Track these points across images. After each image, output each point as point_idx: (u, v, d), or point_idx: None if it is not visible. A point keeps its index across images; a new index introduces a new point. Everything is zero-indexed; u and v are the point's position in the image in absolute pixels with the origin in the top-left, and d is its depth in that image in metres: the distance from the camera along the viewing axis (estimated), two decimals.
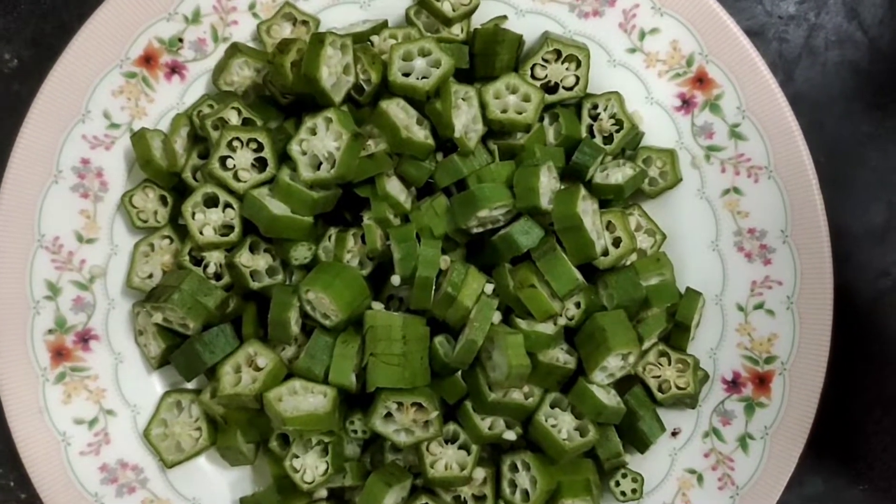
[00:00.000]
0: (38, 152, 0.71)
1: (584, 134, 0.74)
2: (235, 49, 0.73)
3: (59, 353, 0.72)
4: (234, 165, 0.69)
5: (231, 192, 0.69)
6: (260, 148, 0.69)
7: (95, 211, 0.73)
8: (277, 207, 0.68)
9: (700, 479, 0.75)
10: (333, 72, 0.68)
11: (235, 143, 0.69)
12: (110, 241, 0.73)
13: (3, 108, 0.79)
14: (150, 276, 0.72)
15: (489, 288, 0.69)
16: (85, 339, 0.73)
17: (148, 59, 0.73)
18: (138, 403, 0.74)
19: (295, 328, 0.69)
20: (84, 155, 0.72)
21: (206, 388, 0.71)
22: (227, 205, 0.70)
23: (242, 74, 0.74)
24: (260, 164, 0.69)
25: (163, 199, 0.73)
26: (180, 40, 0.73)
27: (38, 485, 0.71)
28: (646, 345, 0.74)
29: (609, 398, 0.71)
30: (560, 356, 0.70)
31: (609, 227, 0.72)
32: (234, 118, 0.71)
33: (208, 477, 0.75)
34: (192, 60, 0.74)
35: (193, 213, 0.69)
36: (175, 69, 0.74)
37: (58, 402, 0.72)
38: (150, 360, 0.73)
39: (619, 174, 0.73)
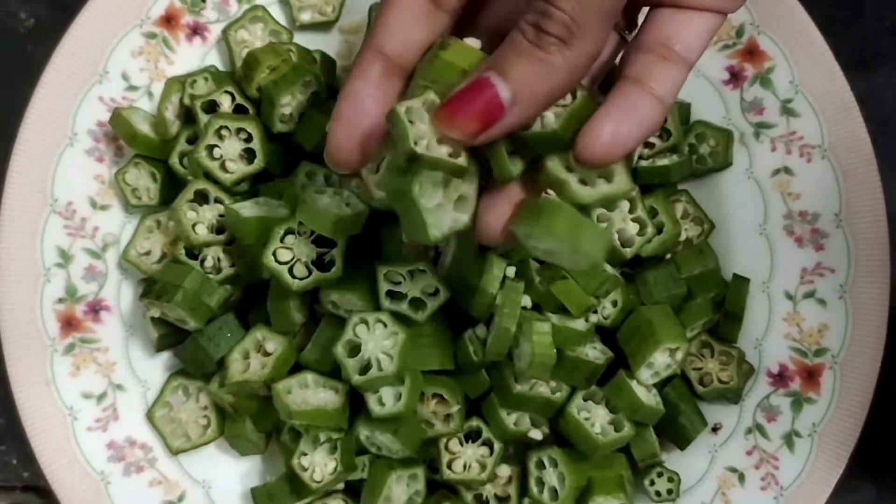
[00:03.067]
0: (53, 114, 0.72)
1: None
2: (254, 12, 0.74)
3: (68, 324, 0.73)
4: (222, 155, 0.69)
5: (219, 184, 0.70)
6: (250, 138, 0.69)
7: (110, 176, 0.74)
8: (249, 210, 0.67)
9: (742, 478, 0.74)
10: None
11: (224, 132, 0.69)
12: (124, 209, 0.74)
13: (19, 70, 0.80)
14: (149, 252, 0.72)
15: (511, 271, 0.68)
16: (96, 309, 0.73)
17: (169, 20, 0.74)
18: (149, 379, 0.74)
19: (298, 315, 0.69)
20: (100, 118, 0.73)
21: (215, 377, 0.71)
22: (218, 200, 0.70)
23: (254, 35, 0.74)
24: (249, 154, 0.70)
25: (153, 176, 0.73)
26: (203, 0, 0.74)
27: (43, 461, 0.71)
28: (688, 335, 0.73)
29: (648, 397, 0.70)
30: (589, 352, 0.69)
31: (652, 212, 0.71)
32: (226, 103, 0.71)
33: (220, 460, 0.75)
34: (215, 22, 0.75)
35: (185, 211, 0.69)
36: (197, 30, 0.75)
37: (66, 374, 0.72)
38: (151, 342, 0.74)
39: (665, 160, 0.73)
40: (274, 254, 0.65)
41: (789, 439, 0.74)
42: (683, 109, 0.76)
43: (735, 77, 0.75)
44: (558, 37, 0.43)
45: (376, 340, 0.66)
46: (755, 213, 0.76)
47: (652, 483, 0.74)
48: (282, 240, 0.65)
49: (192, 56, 0.75)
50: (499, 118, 0.44)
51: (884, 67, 0.82)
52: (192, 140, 0.72)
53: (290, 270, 0.65)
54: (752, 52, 0.75)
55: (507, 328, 0.66)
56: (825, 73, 0.73)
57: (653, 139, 0.73)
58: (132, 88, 0.74)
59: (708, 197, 0.76)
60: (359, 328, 0.66)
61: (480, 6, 0.52)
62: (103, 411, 0.73)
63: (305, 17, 0.76)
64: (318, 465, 0.68)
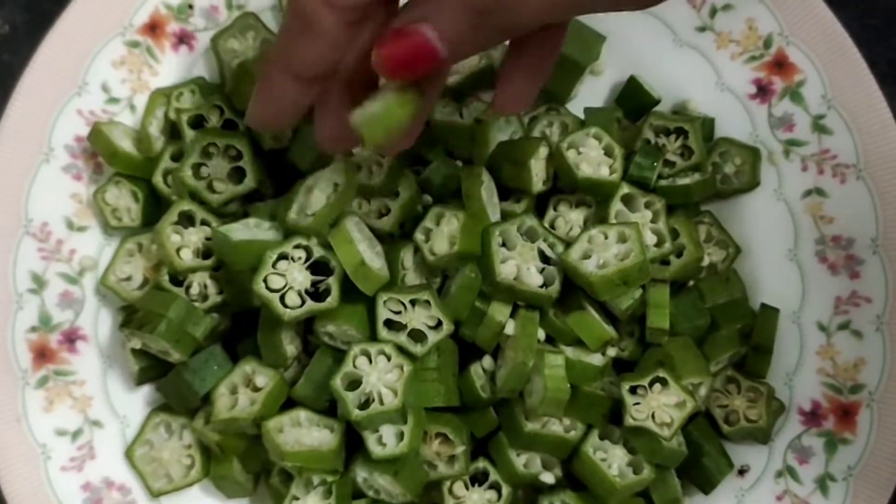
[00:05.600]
0: (28, 127, 0.70)
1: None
2: (245, 20, 0.73)
3: (41, 354, 0.71)
4: (209, 174, 0.68)
5: (205, 205, 0.68)
6: (239, 156, 0.68)
7: (88, 195, 0.72)
8: (241, 232, 0.66)
9: None
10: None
11: (211, 150, 0.68)
12: (104, 231, 0.72)
13: None
14: (129, 278, 0.71)
15: None
16: (71, 339, 0.72)
17: (153, 27, 0.72)
18: (128, 415, 0.72)
19: (290, 347, 0.67)
20: (79, 132, 0.71)
21: (200, 413, 0.70)
22: (205, 222, 0.68)
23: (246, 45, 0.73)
24: (238, 173, 0.69)
25: (135, 196, 0.72)
26: (190, 7, 0.73)
27: (13, 503, 0.69)
28: (712, 369, 0.71)
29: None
30: (606, 387, 0.68)
31: (673, 234, 0.70)
32: (214, 118, 0.70)
33: (205, 502, 0.73)
34: (203, 30, 0.73)
35: (169, 234, 0.68)
36: (183, 39, 0.73)
37: (38, 409, 0.70)
38: (131, 375, 0.72)
39: (686, 178, 0.72)
40: (265, 280, 0.63)
41: (823, 483, 0.72)
42: (707, 125, 0.74)
43: (762, 91, 0.74)
44: None
45: (378, 373, 0.64)
46: (785, 237, 0.74)
47: None
48: (274, 265, 0.64)
49: (178, 67, 0.74)
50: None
51: None
52: (178, 157, 0.71)
53: (282, 299, 0.63)
54: (780, 65, 0.73)
55: (524, 362, 0.64)
56: (860, 86, 0.72)
57: (674, 157, 0.72)
58: (113, 101, 0.73)
59: (734, 219, 0.74)
60: (359, 360, 0.64)
61: None
62: (78, 449, 0.71)
63: None
64: None
